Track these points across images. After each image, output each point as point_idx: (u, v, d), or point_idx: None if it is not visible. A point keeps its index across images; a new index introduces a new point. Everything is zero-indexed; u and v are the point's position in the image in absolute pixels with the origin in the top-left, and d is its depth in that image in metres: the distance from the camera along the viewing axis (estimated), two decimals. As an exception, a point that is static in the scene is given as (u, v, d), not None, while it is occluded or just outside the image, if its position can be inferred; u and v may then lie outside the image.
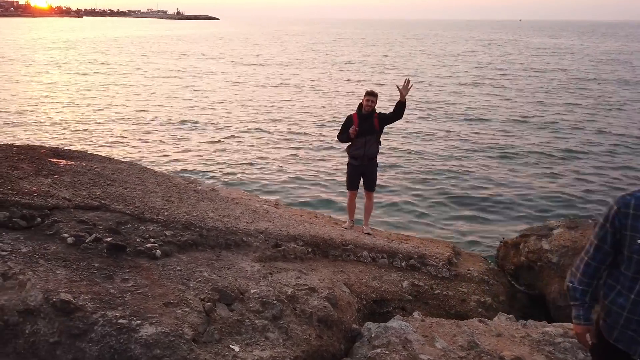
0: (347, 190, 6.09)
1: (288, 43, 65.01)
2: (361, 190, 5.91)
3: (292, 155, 12.26)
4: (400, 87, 5.42)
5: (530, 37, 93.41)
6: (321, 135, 14.25)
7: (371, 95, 5.52)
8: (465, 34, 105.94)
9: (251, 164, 11.41)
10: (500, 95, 22.63)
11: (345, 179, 6.13)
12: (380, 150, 5.74)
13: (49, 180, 4.53)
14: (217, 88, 23.81)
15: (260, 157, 12.03)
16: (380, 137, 5.68)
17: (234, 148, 13.07)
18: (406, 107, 5.49)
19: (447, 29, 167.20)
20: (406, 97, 5.41)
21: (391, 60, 38.85)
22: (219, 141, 13.83)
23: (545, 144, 13.82)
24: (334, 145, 12.61)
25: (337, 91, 22.53)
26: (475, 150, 12.74)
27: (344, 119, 5.79)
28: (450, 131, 14.85)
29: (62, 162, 5.69)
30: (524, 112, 18.73)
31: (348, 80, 26.93)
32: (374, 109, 5.58)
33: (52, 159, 5.69)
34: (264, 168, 11.10)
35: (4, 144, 6.06)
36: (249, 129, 14.83)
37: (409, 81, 5.44)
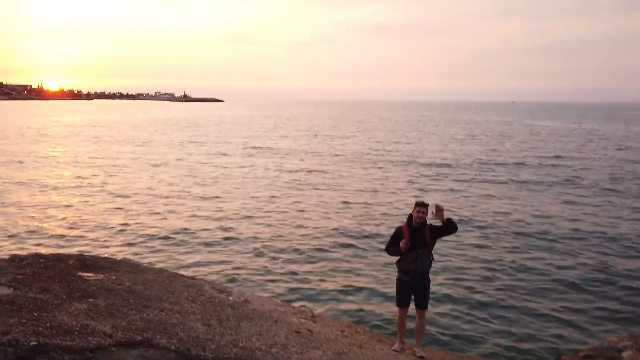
0: (396, 307, 5.61)
1: (293, 127, 66.91)
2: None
3: (331, 261, 11.14)
4: (434, 214, 5.18)
5: (535, 120, 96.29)
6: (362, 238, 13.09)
7: (422, 206, 5.19)
8: (473, 117, 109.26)
9: (276, 270, 10.82)
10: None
11: (394, 294, 5.67)
12: (432, 265, 5.38)
13: (85, 306, 4.20)
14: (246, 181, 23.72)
15: (293, 266, 11.02)
16: (432, 251, 5.34)
17: (265, 252, 12.14)
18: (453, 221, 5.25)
19: (445, 111, 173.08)
20: (446, 216, 5.21)
21: (405, 148, 37.97)
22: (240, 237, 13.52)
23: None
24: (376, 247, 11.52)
25: (373, 194, 19.28)
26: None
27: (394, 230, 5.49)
28: (494, 239, 13.73)
29: (91, 277, 5.39)
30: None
31: (375, 180, 22.52)
32: (426, 220, 5.25)
33: (81, 273, 5.40)
34: (300, 278, 10.05)
35: (30, 255, 5.79)
36: (273, 237, 13.47)
37: (438, 206, 5.19)
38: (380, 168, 25.82)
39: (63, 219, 14.46)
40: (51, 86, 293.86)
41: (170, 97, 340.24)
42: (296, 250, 11.88)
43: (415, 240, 5.17)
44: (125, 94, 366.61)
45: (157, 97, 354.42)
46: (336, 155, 31.74)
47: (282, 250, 11.76)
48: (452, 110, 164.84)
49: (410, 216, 5.35)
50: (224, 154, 31.48)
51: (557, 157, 31.14)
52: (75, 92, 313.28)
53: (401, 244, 5.17)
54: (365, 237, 12.90)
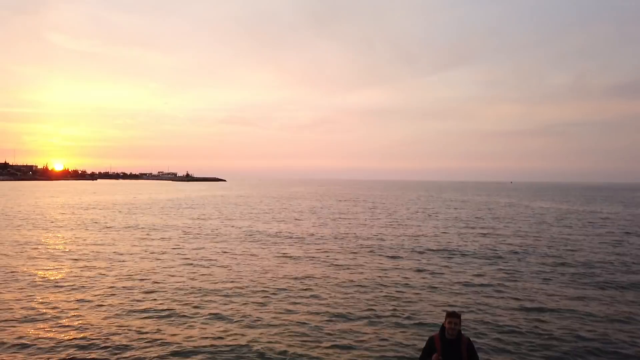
0: None
1: (294, 208, 66.15)
2: None
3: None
4: None
5: (538, 200, 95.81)
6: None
7: (454, 317, 4.93)
8: (478, 197, 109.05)
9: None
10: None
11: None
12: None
13: None
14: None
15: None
16: None
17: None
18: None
19: (444, 191, 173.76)
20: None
21: (412, 231, 37.93)
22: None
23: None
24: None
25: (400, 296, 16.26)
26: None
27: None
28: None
29: None
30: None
31: (386, 270, 20.53)
32: (460, 331, 4.88)
33: None
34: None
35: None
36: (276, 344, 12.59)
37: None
38: (393, 257, 24.33)
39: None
40: (57, 167, 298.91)
41: (173, 177, 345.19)
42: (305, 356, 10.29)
43: (450, 354, 4.70)
44: (129, 173, 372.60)
45: (160, 176, 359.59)
46: (342, 238, 30.41)
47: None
48: (451, 190, 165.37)
49: (443, 327, 4.92)
50: (222, 240, 30.11)
51: (568, 247, 29.73)
52: (80, 172, 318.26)
53: (433, 357, 4.72)
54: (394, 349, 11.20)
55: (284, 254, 24.88)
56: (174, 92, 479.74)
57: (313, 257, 23.86)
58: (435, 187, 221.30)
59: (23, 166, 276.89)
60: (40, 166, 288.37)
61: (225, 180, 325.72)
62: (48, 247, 26.54)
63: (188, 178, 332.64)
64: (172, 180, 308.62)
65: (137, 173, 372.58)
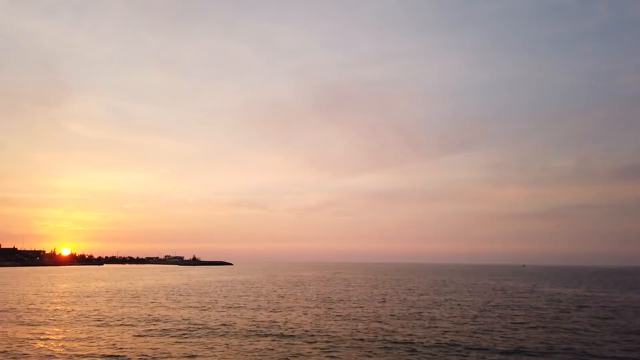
0: None
1: (302, 294, 63.88)
2: None
3: None
4: None
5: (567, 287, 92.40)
6: None
7: None
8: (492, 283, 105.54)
9: None
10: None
11: None
12: None
13: None
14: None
15: None
16: None
17: None
18: None
19: (456, 274, 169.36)
20: None
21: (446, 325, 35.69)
22: None
23: None
24: None
25: None
26: None
27: None
28: None
29: None
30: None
31: None
32: None
33: None
34: None
35: None
36: None
37: None
38: (412, 352, 22.52)
39: None
40: (64, 251, 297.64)
41: (180, 261, 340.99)
42: None
43: None
44: (135, 257, 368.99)
45: (167, 260, 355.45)
46: (360, 339, 28.38)
47: None
48: (463, 274, 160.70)
49: None
50: (225, 334, 28.36)
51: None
52: (87, 256, 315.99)
53: None
54: None
55: (297, 353, 23.12)
56: (184, 177, 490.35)
57: (325, 351, 22.13)
58: (446, 270, 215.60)
59: (31, 251, 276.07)
60: (48, 251, 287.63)
61: (232, 264, 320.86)
62: (35, 344, 25.03)
63: (195, 262, 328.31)
64: (179, 265, 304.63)
65: (144, 257, 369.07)
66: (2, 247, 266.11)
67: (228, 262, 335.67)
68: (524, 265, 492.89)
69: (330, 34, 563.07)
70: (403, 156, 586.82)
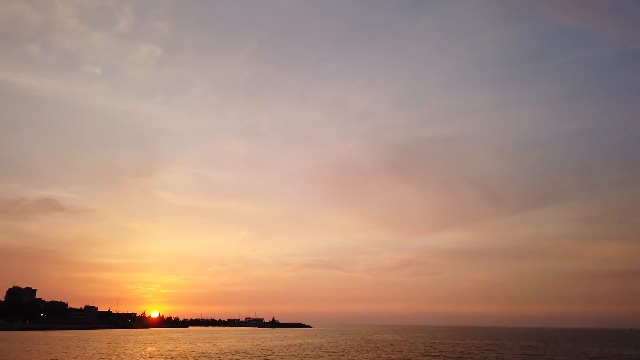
0: None
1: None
2: None
3: None
4: None
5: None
6: None
7: None
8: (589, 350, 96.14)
9: None
10: None
11: None
12: None
13: None
14: None
15: None
16: None
17: None
18: None
19: (557, 340, 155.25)
20: None
21: None
22: None
23: None
24: None
25: None
26: None
27: None
28: None
29: None
30: None
31: None
32: None
33: None
34: None
35: None
36: None
37: None
38: None
39: None
40: (153, 314, 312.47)
41: (259, 323, 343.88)
42: None
43: None
44: (218, 320, 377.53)
45: (247, 322, 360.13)
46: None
47: None
48: (564, 339, 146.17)
49: None
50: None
51: None
52: (173, 319, 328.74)
53: None
54: None
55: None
56: (263, 239, 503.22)
57: None
58: (538, 334, 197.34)
59: (123, 314, 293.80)
60: (139, 313, 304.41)
61: (310, 327, 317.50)
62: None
63: (274, 324, 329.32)
64: (259, 327, 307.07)
65: (225, 319, 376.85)
66: (99, 310, 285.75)
67: (306, 324, 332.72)
68: (631, 330, 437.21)
69: (399, 95, 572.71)
70: (483, 212, 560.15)
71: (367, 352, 77.22)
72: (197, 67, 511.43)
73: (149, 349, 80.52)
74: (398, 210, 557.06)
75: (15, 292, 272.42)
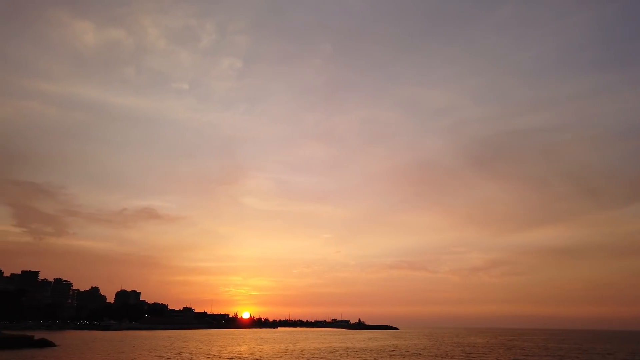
0: None
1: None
2: None
3: None
4: None
5: None
6: None
7: None
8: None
9: None
10: None
11: None
12: None
13: None
14: None
15: None
16: None
17: None
18: None
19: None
20: None
21: None
22: None
23: None
24: None
25: None
26: None
27: None
28: None
29: None
30: None
31: None
32: None
33: None
34: None
35: None
36: None
37: None
38: None
39: None
40: (244, 315, 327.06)
41: (346, 324, 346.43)
42: None
43: None
44: (305, 321, 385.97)
45: (333, 323, 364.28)
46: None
47: None
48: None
49: None
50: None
51: None
52: (263, 320, 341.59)
53: None
54: None
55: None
56: (345, 241, 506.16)
57: None
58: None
59: (217, 315, 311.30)
60: (231, 315, 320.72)
61: (397, 328, 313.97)
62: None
63: (360, 326, 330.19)
64: (345, 328, 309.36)
65: (312, 320, 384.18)
66: (196, 311, 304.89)
67: (393, 326, 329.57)
68: None
69: (479, 88, 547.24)
70: (580, 207, 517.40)
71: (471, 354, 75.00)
72: (275, 76, 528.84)
73: (246, 347, 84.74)
74: (484, 207, 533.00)
75: (122, 295, 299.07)
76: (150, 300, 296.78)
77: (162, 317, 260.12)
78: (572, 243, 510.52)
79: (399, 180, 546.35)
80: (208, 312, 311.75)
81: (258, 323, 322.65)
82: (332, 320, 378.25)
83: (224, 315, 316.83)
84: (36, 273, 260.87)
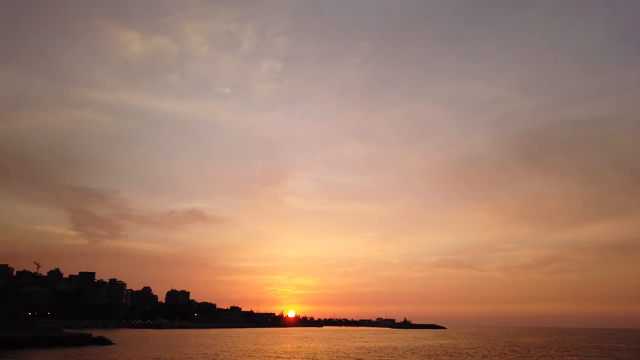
0: None
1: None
2: None
3: None
4: None
5: None
6: None
7: None
8: None
9: None
10: None
11: None
12: None
13: None
14: None
15: None
16: None
17: None
18: None
19: None
20: None
21: None
22: None
23: None
24: None
25: None
26: None
27: None
28: None
29: None
30: None
31: None
32: None
33: None
34: None
35: None
36: None
37: None
38: None
39: None
40: (290, 314, 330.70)
41: (391, 323, 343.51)
42: None
43: None
44: (350, 320, 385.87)
45: (379, 322, 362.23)
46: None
47: None
48: None
49: None
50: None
51: None
52: (308, 319, 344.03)
53: None
54: None
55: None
56: (389, 239, 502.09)
57: None
58: None
59: (264, 314, 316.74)
60: (277, 314, 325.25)
61: (444, 328, 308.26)
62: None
63: (406, 325, 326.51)
64: (391, 327, 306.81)
65: (357, 319, 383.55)
66: (242, 310, 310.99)
67: (440, 325, 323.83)
68: None
69: (527, 79, 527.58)
70: (636, 201, 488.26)
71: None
72: (314, 76, 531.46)
73: (293, 345, 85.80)
74: (533, 203, 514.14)
75: (172, 295, 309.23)
76: (198, 300, 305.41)
77: (210, 316, 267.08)
78: (627, 238, 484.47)
79: (443, 177, 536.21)
80: (254, 311, 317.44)
81: (303, 322, 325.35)
82: (377, 319, 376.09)
83: (270, 314, 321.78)
84: (92, 274, 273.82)
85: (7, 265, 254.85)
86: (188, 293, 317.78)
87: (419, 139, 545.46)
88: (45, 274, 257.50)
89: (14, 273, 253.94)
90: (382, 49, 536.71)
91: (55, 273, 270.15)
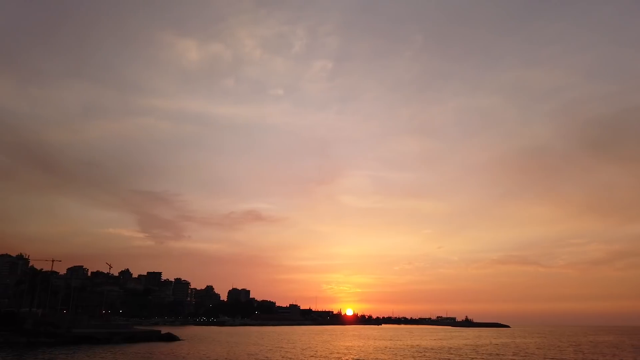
0: None
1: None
2: None
3: None
4: None
5: None
6: None
7: None
8: None
9: None
10: None
11: None
12: None
13: None
14: None
15: None
16: None
17: None
18: None
19: None
20: None
21: None
22: None
23: None
24: None
25: None
26: None
27: None
28: None
29: None
30: None
31: None
32: None
33: None
34: None
35: None
36: None
37: None
38: None
39: None
40: (348, 312, 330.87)
41: (452, 322, 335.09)
42: None
43: None
44: (409, 318, 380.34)
45: (439, 321, 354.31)
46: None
47: None
48: None
49: None
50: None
51: None
52: (366, 317, 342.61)
53: None
54: None
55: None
56: (447, 236, 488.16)
57: None
58: None
59: (322, 312, 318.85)
60: (335, 311, 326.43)
61: (508, 326, 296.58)
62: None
63: (467, 323, 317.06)
64: (451, 326, 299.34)
65: (417, 318, 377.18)
66: (301, 308, 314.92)
67: (503, 323, 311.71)
68: None
69: (594, 63, 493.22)
70: None
71: None
72: (366, 73, 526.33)
73: (352, 343, 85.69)
74: (604, 194, 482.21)
75: (234, 293, 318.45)
76: (259, 298, 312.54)
77: (270, 313, 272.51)
78: None
79: (503, 170, 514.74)
80: (313, 309, 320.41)
81: (362, 320, 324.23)
82: (437, 317, 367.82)
83: (328, 312, 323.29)
84: (159, 274, 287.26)
85: (83, 266, 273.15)
86: (248, 291, 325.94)
87: (478, 132, 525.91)
88: (116, 274, 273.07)
89: (89, 274, 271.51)
90: (435, 40, 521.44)
91: (126, 273, 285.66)
